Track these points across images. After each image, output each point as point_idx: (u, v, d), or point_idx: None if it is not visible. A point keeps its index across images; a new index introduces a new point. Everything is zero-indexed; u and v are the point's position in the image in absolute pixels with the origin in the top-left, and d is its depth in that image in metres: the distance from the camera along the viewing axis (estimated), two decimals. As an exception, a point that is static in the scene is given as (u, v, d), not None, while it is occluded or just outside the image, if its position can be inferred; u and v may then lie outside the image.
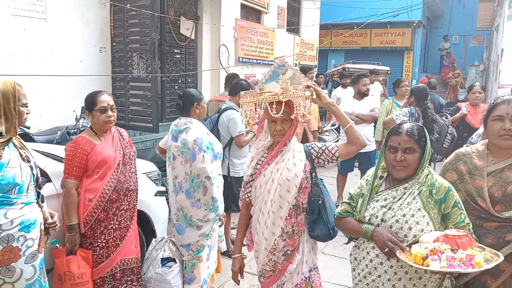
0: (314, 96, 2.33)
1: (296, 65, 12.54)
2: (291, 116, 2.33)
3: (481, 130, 2.95)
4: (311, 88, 2.31)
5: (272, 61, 10.16)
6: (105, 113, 2.96)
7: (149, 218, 3.61)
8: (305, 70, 7.97)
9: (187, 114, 3.40)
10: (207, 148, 3.26)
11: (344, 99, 6.55)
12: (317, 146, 2.45)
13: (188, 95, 3.41)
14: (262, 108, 2.43)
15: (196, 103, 3.40)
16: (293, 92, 2.29)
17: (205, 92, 8.25)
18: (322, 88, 9.74)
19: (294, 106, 2.31)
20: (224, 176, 4.13)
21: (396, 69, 16.96)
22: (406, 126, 2.10)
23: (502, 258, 1.83)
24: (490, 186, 2.22)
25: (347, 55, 18.16)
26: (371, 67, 10.65)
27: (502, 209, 2.19)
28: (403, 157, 2.05)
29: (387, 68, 11.68)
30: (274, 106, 2.30)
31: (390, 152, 2.11)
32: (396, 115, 5.14)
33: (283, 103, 2.28)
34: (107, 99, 2.98)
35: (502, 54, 9.82)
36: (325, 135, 7.93)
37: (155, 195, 3.71)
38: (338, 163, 6.22)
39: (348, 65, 11.32)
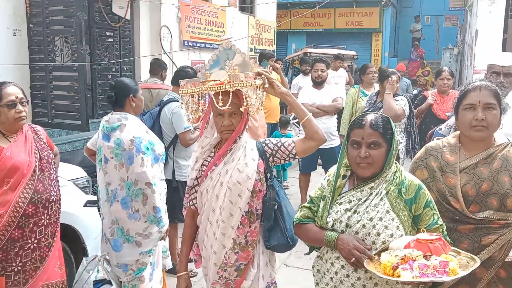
0: (267, 85, 2.34)
1: (251, 49, 12.55)
2: (241, 109, 2.33)
3: (452, 120, 3.04)
4: (263, 76, 2.31)
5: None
6: (14, 108, 2.80)
7: (78, 233, 3.53)
8: (266, 56, 7.94)
9: (121, 108, 3.32)
10: (147, 149, 3.20)
11: (303, 88, 6.60)
12: (272, 143, 2.46)
13: (121, 86, 3.33)
14: (206, 100, 2.43)
15: (131, 95, 3.32)
16: (242, 81, 2.28)
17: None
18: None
19: (244, 96, 2.30)
20: (168, 181, 4.10)
21: (363, 54, 17.37)
22: (370, 117, 2.12)
23: (478, 263, 1.87)
24: (463, 184, 2.27)
25: (309, 38, 18.39)
26: (335, 51, 10.83)
27: (477, 209, 2.24)
28: (367, 153, 2.06)
29: (353, 52, 11.92)
30: (220, 97, 2.29)
31: (353, 148, 2.12)
32: (404, 105, 5.17)
33: (231, 94, 2.28)
34: (14, 91, 2.83)
35: (477, 36, 10.24)
36: (287, 129, 8.00)
37: (85, 205, 3.64)
38: (300, 162, 6.26)
39: (309, 50, 11.46)
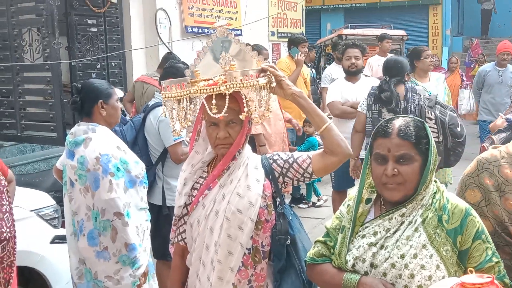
0: (274, 84, 2.31)
1: (273, 33, 12.52)
2: (240, 116, 2.32)
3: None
4: (268, 73, 2.29)
5: (235, 29, 10.10)
6: None
7: (44, 278, 3.54)
8: (295, 41, 7.88)
9: (89, 118, 3.40)
10: (117, 169, 3.23)
11: (333, 82, 6.52)
12: (281, 159, 2.46)
13: (88, 89, 3.40)
14: (195, 105, 2.43)
15: (101, 101, 3.37)
16: (241, 80, 2.26)
17: (138, 80, 8.13)
18: (311, 66, 9.70)
19: (244, 100, 2.32)
20: (157, 207, 4.16)
21: (418, 33, 17.28)
22: (398, 122, 2.11)
23: None
24: (529, 209, 2.28)
25: (348, 16, 18.38)
26: (378, 31, 10.71)
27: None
28: (396, 170, 2.05)
29: (401, 32, 11.78)
30: (214, 101, 2.27)
31: (377, 164, 2.11)
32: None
33: (227, 97, 2.26)
34: None
35: None
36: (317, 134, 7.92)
37: (52, 242, 3.67)
38: (332, 176, 6.20)
39: (345, 31, 11.37)
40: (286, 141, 6.19)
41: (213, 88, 2.28)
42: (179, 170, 4.18)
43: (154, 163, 4.30)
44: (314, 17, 18.20)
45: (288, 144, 6.66)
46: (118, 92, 3.60)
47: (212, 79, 2.34)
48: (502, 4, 20.38)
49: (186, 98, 2.35)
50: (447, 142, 4.83)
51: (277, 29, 12.71)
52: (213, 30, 2.44)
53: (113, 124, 3.49)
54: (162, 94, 2.39)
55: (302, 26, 14.02)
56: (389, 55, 9.04)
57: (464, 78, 11.46)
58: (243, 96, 2.31)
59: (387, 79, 5.16)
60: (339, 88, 6.01)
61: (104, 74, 7.95)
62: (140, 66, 8.59)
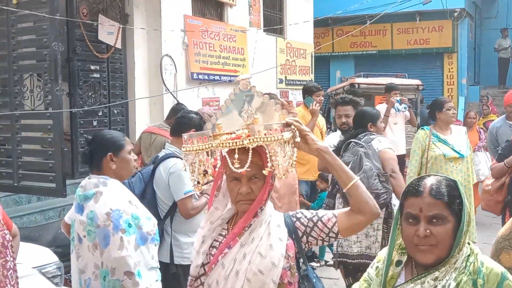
0: (298, 139, 2.33)
1: (281, 81, 12.70)
2: (264, 171, 2.34)
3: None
4: (293, 127, 2.32)
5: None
6: None
7: None
8: (310, 90, 7.93)
9: (99, 171, 3.39)
10: (129, 225, 3.22)
11: (330, 135, 6.52)
12: (305, 217, 2.48)
13: (99, 141, 3.41)
14: (216, 158, 2.43)
15: (110, 154, 3.37)
16: (265, 134, 2.30)
17: (142, 129, 8.19)
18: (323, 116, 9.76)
19: (268, 155, 2.32)
20: (164, 265, 4.09)
21: (432, 82, 17.36)
22: (430, 181, 2.13)
23: None
24: None
25: (358, 63, 18.58)
26: (393, 80, 10.79)
27: None
28: (428, 231, 2.05)
29: (416, 81, 11.87)
30: (236, 155, 2.31)
31: (408, 224, 2.11)
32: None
33: (250, 151, 2.29)
34: None
35: None
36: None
37: None
38: None
39: (358, 80, 11.48)
40: (297, 193, 6.18)
41: (236, 142, 2.30)
42: (189, 226, 4.36)
43: (162, 217, 4.32)
44: (323, 64, 18.39)
45: (301, 196, 6.64)
46: None
47: (234, 133, 2.37)
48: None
49: (207, 152, 2.38)
50: None
51: (286, 76, 12.90)
52: (237, 81, 2.48)
53: (125, 177, 3.49)
54: (183, 147, 2.42)
55: (311, 73, 14.25)
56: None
57: (482, 136, 10.73)
58: (267, 151, 2.33)
59: (351, 132, 5.26)
60: (333, 141, 6.01)
61: (105, 121, 8.06)
62: (144, 114, 8.67)
